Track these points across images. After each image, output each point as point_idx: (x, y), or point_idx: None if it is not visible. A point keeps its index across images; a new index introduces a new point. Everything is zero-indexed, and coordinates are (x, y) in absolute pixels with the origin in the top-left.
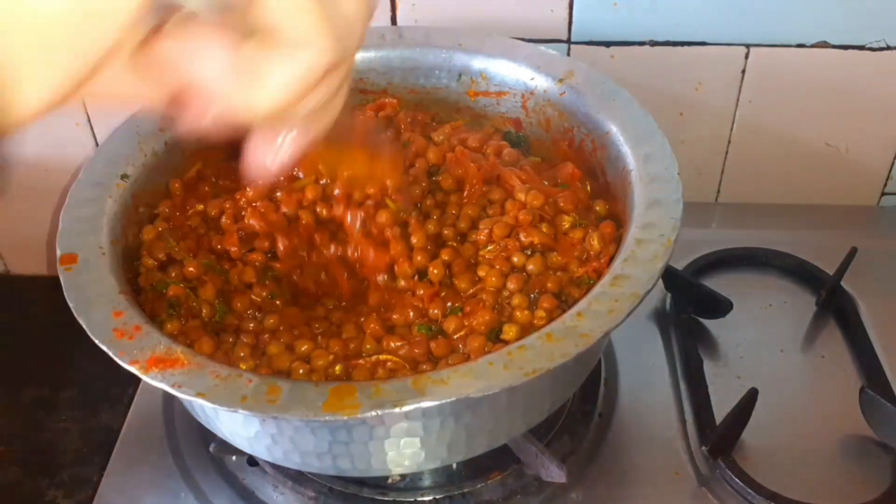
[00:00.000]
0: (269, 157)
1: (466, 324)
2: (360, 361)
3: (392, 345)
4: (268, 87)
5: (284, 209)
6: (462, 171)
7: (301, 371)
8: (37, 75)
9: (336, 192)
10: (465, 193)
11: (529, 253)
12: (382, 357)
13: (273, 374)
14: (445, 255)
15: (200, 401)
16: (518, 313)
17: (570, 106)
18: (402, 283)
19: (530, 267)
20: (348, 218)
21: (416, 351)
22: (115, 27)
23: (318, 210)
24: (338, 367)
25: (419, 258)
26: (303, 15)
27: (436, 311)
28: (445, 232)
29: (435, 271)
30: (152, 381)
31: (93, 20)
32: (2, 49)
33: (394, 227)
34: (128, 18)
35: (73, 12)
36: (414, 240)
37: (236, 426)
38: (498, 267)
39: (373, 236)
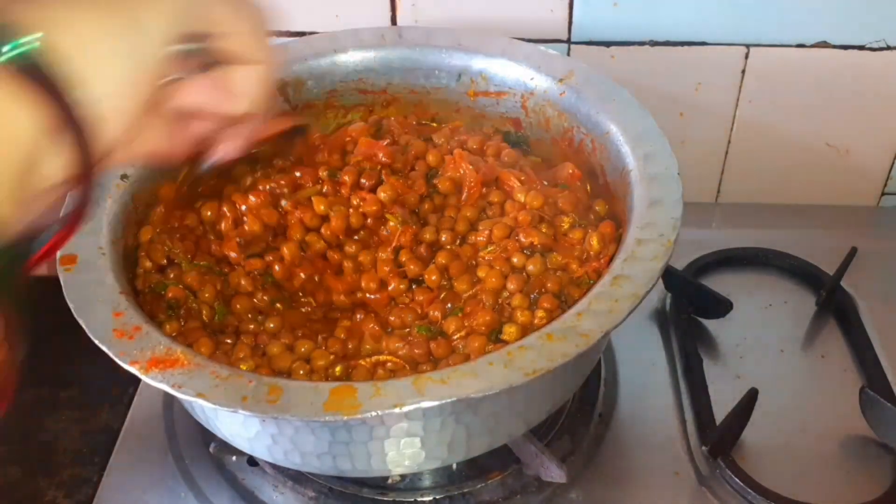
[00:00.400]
0: (229, 145)
1: (467, 324)
2: (361, 362)
3: (392, 345)
4: (245, 94)
5: (295, 235)
6: (460, 173)
7: (301, 372)
8: (110, 114)
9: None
10: (464, 196)
11: (529, 253)
12: (382, 358)
13: (273, 374)
14: (442, 259)
15: (201, 401)
16: (518, 314)
17: (569, 106)
18: (402, 298)
19: (530, 267)
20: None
21: (416, 351)
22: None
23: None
24: (338, 368)
25: (412, 267)
26: (253, 40)
27: (435, 314)
28: (443, 237)
29: (433, 277)
30: (152, 381)
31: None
32: (90, 98)
33: (386, 251)
34: (158, 70)
35: (127, 76)
36: (403, 258)
37: (237, 426)
38: (498, 268)
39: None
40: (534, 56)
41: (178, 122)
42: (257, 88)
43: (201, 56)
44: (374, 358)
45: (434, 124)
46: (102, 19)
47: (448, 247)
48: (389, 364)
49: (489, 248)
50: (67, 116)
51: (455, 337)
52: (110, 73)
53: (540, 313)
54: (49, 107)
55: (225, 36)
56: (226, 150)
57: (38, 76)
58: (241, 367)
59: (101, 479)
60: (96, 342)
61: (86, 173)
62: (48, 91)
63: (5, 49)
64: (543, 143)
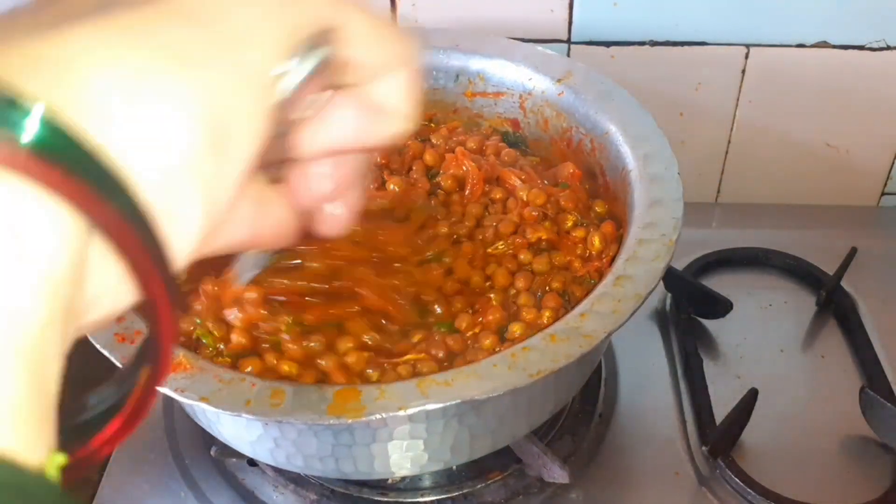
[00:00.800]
0: (336, 215)
1: (478, 321)
2: (395, 361)
3: (416, 341)
4: (398, 110)
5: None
6: (463, 170)
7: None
8: (181, 220)
9: None
10: (467, 192)
11: (535, 251)
12: (412, 357)
13: (318, 376)
14: (468, 250)
15: (204, 405)
16: (524, 312)
17: (568, 106)
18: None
19: (536, 265)
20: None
21: (433, 351)
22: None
23: None
24: (375, 374)
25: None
26: (393, 35)
27: (458, 306)
28: (461, 231)
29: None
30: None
31: (223, 156)
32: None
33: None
34: (256, 144)
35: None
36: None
37: (238, 430)
38: (505, 265)
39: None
40: (532, 56)
41: (300, 178)
42: (410, 99)
43: (319, 77)
44: (406, 357)
45: (432, 125)
46: (161, 49)
47: (464, 241)
48: (419, 364)
49: (497, 245)
50: (112, 217)
51: (468, 334)
52: (182, 133)
53: (547, 313)
54: (83, 207)
55: (347, 40)
56: (352, 200)
57: (59, 162)
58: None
59: (101, 479)
60: (98, 347)
61: (157, 298)
62: (76, 185)
63: (4, 131)
64: (542, 144)
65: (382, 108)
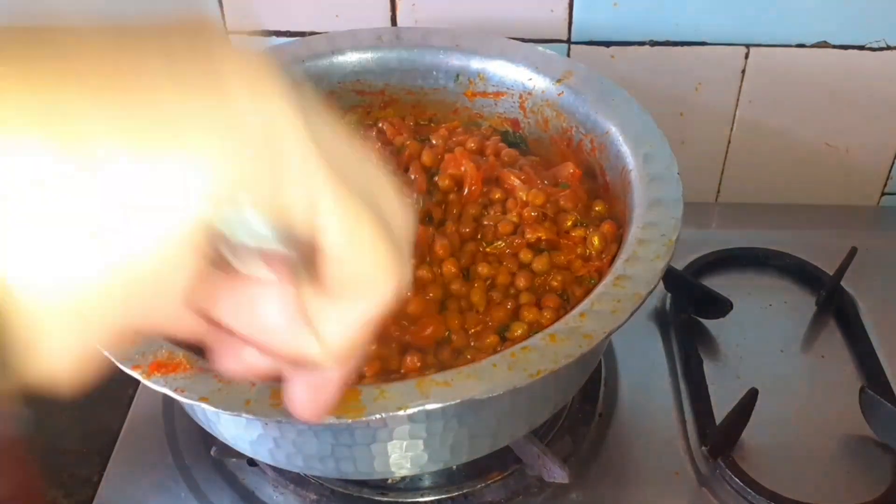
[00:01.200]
0: (312, 399)
1: (480, 320)
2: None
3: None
4: (334, 333)
5: None
6: (461, 171)
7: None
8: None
9: None
10: (465, 193)
11: (535, 251)
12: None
13: None
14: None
15: (203, 405)
16: (525, 312)
17: (568, 106)
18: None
19: (536, 265)
20: None
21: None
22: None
23: None
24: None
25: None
26: (379, 256)
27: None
28: (464, 230)
29: (453, 270)
30: (154, 385)
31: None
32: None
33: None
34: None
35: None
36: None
37: (238, 430)
38: (506, 264)
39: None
40: (532, 56)
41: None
42: (346, 335)
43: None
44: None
45: (432, 125)
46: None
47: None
48: (423, 367)
49: (498, 243)
50: None
51: (470, 332)
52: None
53: (547, 313)
54: None
55: (322, 230)
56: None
57: None
58: None
59: (101, 479)
60: (98, 347)
61: None
62: None
63: None
64: (542, 144)
65: (303, 322)
